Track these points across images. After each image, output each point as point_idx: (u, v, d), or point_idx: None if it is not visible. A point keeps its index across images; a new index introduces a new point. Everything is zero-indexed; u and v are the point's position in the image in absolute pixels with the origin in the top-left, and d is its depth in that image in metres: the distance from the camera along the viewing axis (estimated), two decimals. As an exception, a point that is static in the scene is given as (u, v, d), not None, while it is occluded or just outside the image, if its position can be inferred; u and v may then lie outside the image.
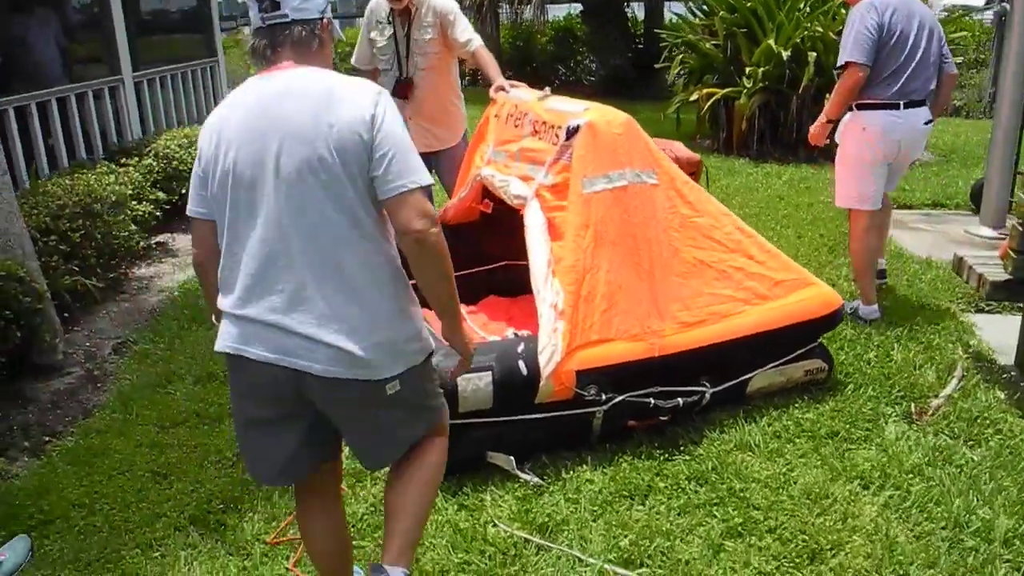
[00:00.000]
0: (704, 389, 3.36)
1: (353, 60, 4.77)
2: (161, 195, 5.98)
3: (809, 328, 3.59)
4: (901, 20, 4.11)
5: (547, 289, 3.18)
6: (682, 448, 3.28)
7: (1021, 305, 4.36)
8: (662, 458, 3.22)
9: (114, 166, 5.82)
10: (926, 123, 4.28)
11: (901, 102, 4.17)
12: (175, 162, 6.30)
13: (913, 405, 3.58)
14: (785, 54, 8.32)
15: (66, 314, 4.56)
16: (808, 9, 8.81)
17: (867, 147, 4.27)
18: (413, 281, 2.10)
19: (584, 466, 3.16)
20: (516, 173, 3.65)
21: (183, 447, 3.42)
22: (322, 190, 1.91)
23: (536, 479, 3.08)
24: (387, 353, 2.00)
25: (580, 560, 2.68)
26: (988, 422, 3.44)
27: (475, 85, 12.29)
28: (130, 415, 3.70)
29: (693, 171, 4.53)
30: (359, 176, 1.93)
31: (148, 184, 5.90)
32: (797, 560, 2.68)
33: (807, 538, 2.77)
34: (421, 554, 2.70)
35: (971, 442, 3.33)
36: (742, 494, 3.00)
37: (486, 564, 2.67)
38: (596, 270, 3.19)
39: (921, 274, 5.13)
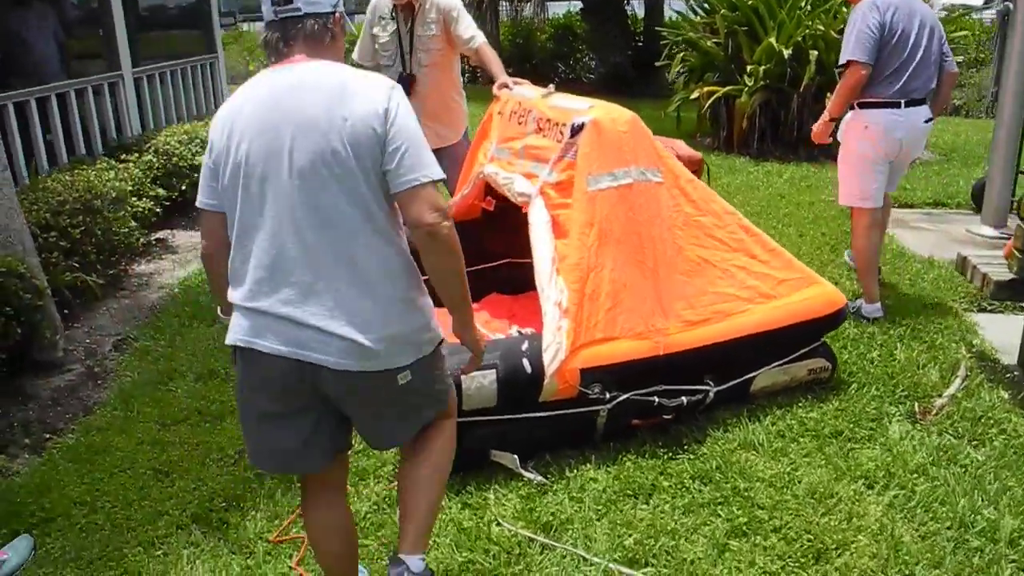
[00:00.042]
0: (708, 388, 3.35)
1: (355, 55, 4.74)
2: (161, 191, 5.96)
3: (813, 327, 3.58)
4: (902, 19, 4.14)
5: (551, 287, 3.17)
6: (686, 447, 3.27)
7: (1024, 304, 4.37)
8: (666, 457, 3.21)
9: (114, 162, 5.80)
10: (926, 121, 4.32)
11: (902, 100, 4.20)
12: (175, 158, 6.28)
13: (917, 405, 3.58)
14: (786, 52, 8.31)
15: (66, 310, 4.54)
16: (809, 7, 8.80)
17: (869, 145, 4.31)
18: (425, 277, 2.10)
19: (588, 465, 3.15)
20: (520, 170, 3.64)
21: (185, 445, 3.40)
22: (335, 183, 1.92)
23: (540, 478, 3.07)
24: (399, 345, 2.02)
25: (585, 559, 2.68)
26: (992, 422, 3.44)
27: (474, 83, 12.28)
28: (131, 412, 3.68)
29: (695, 169, 4.51)
30: (372, 170, 1.94)
31: (148, 180, 5.88)
32: (802, 560, 2.67)
33: (812, 538, 2.76)
34: (425, 553, 2.68)
35: (975, 442, 3.33)
36: (746, 493, 2.99)
37: (490, 563, 2.66)
38: (600, 268, 3.18)
39: (923, 273, 5.12)
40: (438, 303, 2.15)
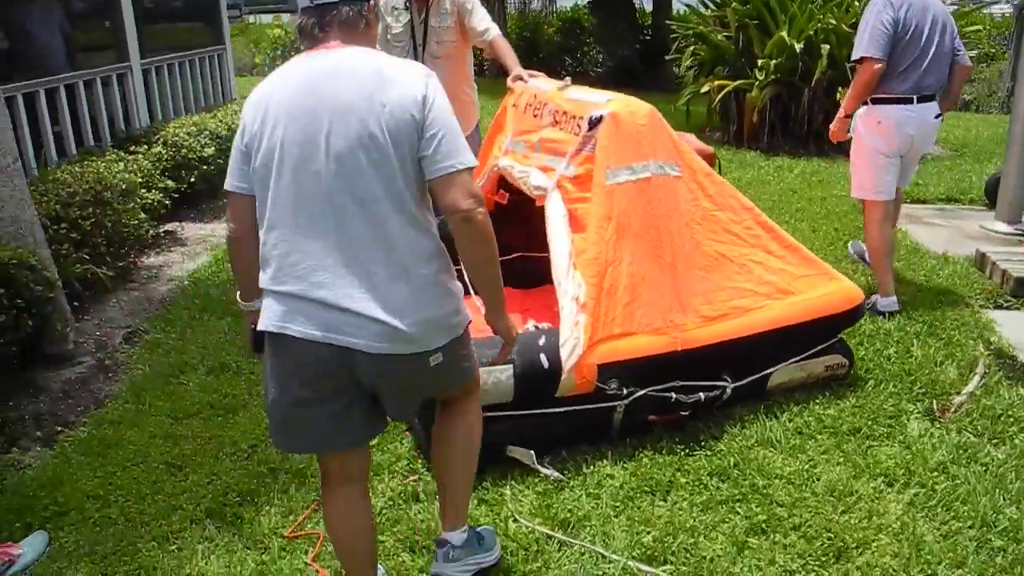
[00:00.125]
0: (725, 384, 3.32)
1: None
2: (170, 183, 5.93)
3: (830, 323, 3.55)
4: (916, 15, 4.18)
5: (569, 281, 3.14)
6: (703, 443, 3.24)
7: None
8: (683, 453, 3.18)
9: (123, 154, 5.77)
10: (936, 117, 4.36)
11: (915, 96, 4.25)
12: (184, 150, 6.26)
13: (935, 402, 3.54)
14: (798, 46, 8.25)
15: (76, 303, 4.52)
16: (821, 1, 8.74)
17: (882, 140, 4.36)
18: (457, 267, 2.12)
19: (604, 461, 3.13)
20: (536, 164, 3.60)
21: (197, 438, 3.38)
22: (372, 168, 1.95)
23: (556, 474, 3.04)
24: (433, 328, 2.05)
25: (603, 556, 2.65)
26: (1012, 420, 3.41)
27: (481, 76, 12.22)
28: (143, 405, 3.66)
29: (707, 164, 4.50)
30: (408, 156, 1.96)
31: (157, 172, 5.85)
32: (823, 558, 2.65)
33: (832, 536, 2.73)
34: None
35: (995, 440, 3.29)
36: (765, 490, 2.97)
37: (508, 560, 2.63)
38: (619, 263, 3.15)
39: (938, 269, 5.08)
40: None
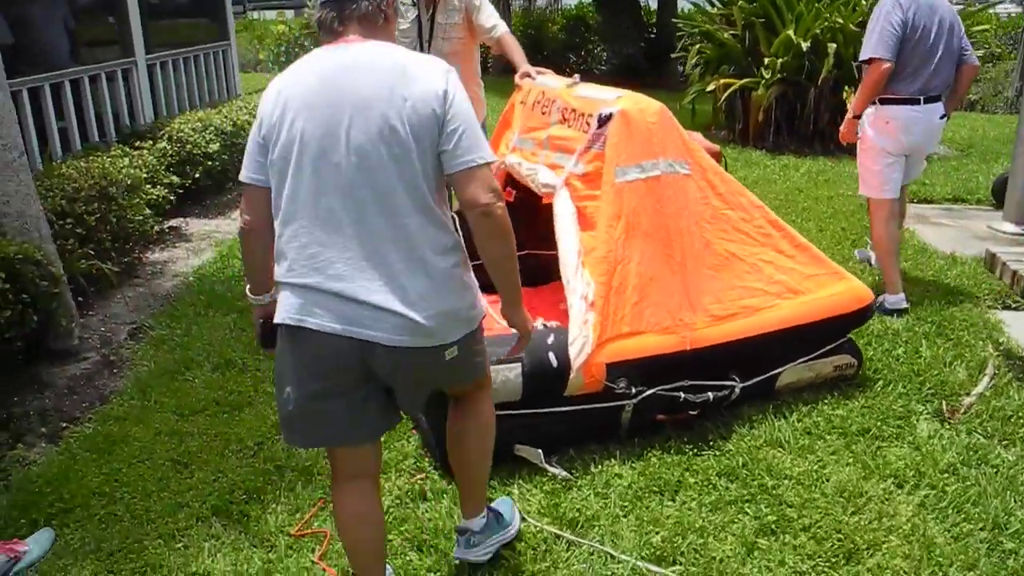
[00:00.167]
0: (734, 384, 3.30)
1: None
2: (175, 179, 5.92)
3: (840, 323, 3.53)
4: (924, 16, 4.20)
5: (577, 280, 3.12)
6: (711, 443, 3.22)
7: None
8: (691, 453, 3.16)
9: (128, 149, 5.75)
10: (941, 117, 4.38)
11: (921, 97, 4.28)
12: (189, 146, 6.24)
13: (944, 403, 3.52)
14: (804, 45, 8.22)
15: (80, 298, 4.50)
16: (828, 0, 8.70)
17: (890, 140, 4.39)
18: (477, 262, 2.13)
19: (612, 460, 3.11)
20: (544, 161, 3.58)
21: (203, 435, 3.36)
22: (392, 162, 1.95)
23: (564, 473, 3.02)
24: (451, 321, 2.06)
25: (612, 557, 2.63)
26: (1022, 421, 3.38)
27: (484, 73, 12.20)
28: (148, 402, 3.64)
29: (714, 162, 4.50)
30: (429, 150, 1.97)
31: (162, 168, 5.84)
32: (833, 560, 2.63)
33: (842, 537, 2.71)
34: (449, 549, 2.65)
35: (1005, 442, 3.27)
36: (774, 491, 2.95)
37: (516, 560, 2.62)
38: (628, 261, 3.13)
39: (946, 270, 5.05)
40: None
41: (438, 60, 2.08)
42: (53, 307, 3.89)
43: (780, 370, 3.46)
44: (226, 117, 6.90)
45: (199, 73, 7.90)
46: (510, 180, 3.94)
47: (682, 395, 3.18)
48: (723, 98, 9.00)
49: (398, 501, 2.91)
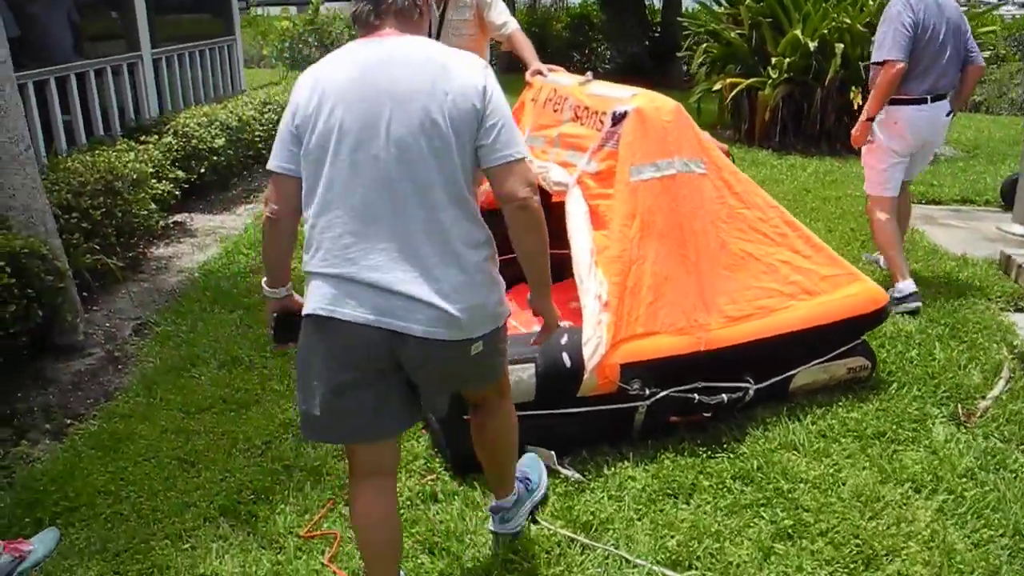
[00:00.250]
0: (748, 385, 3.26)
1: None
2: (180, 174, 5.88)
3: (855, 325, 3.49)
4: (933, 16, 4.26)
5: (591, 279, 3.07)
6: (725, 446, 3.18)
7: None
8: (705, 455, 3.12)
9: (133, 143, 5.71)
10: (947, 115, 4.45)
11: (929, 97, 4.34)
12: (194, 140, 6.20)
13: (960, 406, 3.48)
14: (812, 45, 8.18)
15: (85, 293, 4.45)
16: (835, 0, 8.66)
17: (899, 140, 4.44)
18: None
19: (626, 462, 3.07)
20: (555, 159, 3.54)
21: (210, 434, 3.32)
22: (432, 155, 1.96)
23: (577, 475, 2.98)
24: (479, 315, 2.06)
25: (627, 561, 2.59)
26: (1039, 426, 3.35)
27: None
28: (154, 399, 3.60)
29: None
30: (467, 144, 1.99)
31: (168, 163, 5.80)
32: (852, 566, 2.59)
33: (861, 543, 2.67)
34: (462, 552, 2.61)
35: (1023, 446, 3.23)
36: (790, 495, 2.91)
37: (530, 563, 2.58)
38: (643, 261, 3.09)
39: (958, 272, 5.01)
40: None
41: (475, 55, 2.10)
42: (58, 302, 3.85)
43: (794, 372, 3.42)
44: (231, 112, 6.86)
45: (204, 68, 7.87)
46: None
47: (696, 397, 3.14)
48: (730, 97, 8.96)
49: (409, 502, 2.87)
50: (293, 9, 18.86)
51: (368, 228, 1.97)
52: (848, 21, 8.26)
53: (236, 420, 3.42)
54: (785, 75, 8.45)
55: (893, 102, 4.34)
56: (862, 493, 2.91)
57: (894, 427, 3.32)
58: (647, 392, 3.05)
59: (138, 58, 6.55)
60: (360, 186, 1.97)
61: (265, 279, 2.25)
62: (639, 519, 2.79)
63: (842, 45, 8.16)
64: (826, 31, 8.29)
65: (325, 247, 2.01)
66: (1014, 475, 3.02)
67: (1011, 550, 2.64)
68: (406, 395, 2.15)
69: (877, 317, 3.55)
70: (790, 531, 2.73)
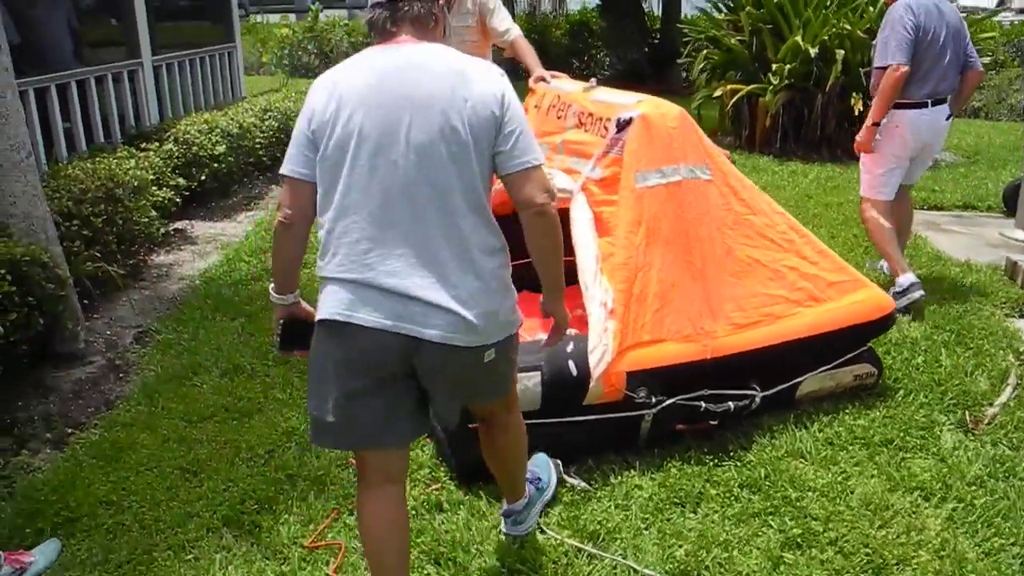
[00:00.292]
0: (755, 393, 3.23)
1: None
2: (181, 181, 5.85)
3: (862, 331, 3.47)
4: (933, 20, 4.30)
5: (596, 286, 3.05)
6: (732, 454, 3.16)
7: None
8: (712, 464, 3.10)
9: (134, 151, 5.69)
10: (947, 118, 4.49)
11: (929, 100, 4.37)
12: (195, 147, 6.17)
13: (967, 413, 3.46)
14: (812, 51, 8.17)
15: (86, 301, 4.43)
16: (835, 6, 8.66)
17: (900, 143, 4.47)
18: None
19: (632, 471, 3.04)
20: (559, 166, 3.53)
21: (212, 443, 3.29)
22: (451, 161, 1.98)
23: (584, 484, 2.96)
24: (493, 321, 2.07)
25: (635, 571, 2.57)
26: (1048, 433, 3.32)
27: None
28: (155, 408, 3.57)
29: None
30: (485, 151, 2.01)
31: (168, 170, 5.77)
32: (862, 575, 2.56)
33: (871, 552, 2.65)
34: (468, 562, 2.59)
35: (1031, 454, 3.21)
36: (798, 503, 2.88)
37: (537, 573, 2.55)
38: (648, 268, 3.07)
39: (963, 278, 5.00)
40: None
41: (491, 63, 2.13)
42: (59, 310, 3.82)
43: (801, 379, 3.39)
44: (232, 119, 6.84)
45: (205, 75, 7.85)
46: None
47: (703, 405, 3.11)
48: (730, 104, 8.95)
49: (414, 512, 2.84)
50: (292, 16, 18.89)
51: (386, 233, 1.98)
52: (848, 27, 8.26)
53: (238, 429, 3.39)
54: (786, 81, 8.45)
55: (894, 106, 4.35)
56: (871, 501, 2.89)
57: (902, 434, 3.30)
58: (653, 400, 3.03)
59: (139, 65, 6.54)
60: (379, 192, 1.98)
61: (273, 285, 2.24)
62: (646, 528, 2.77)
63: (843, 51, 8.16)
64: (826, 37, 8.28)
65: (343, 252, 2.01)
66: (1023, 483, 3.00)
67: (1023, 559, 2.62)
68: (416, 404, 2.16)
69: (884, 324, 3.53)
70: (799, 540, 2.71)
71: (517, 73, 4.22)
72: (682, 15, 14.13)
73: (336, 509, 2.87)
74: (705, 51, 9.69)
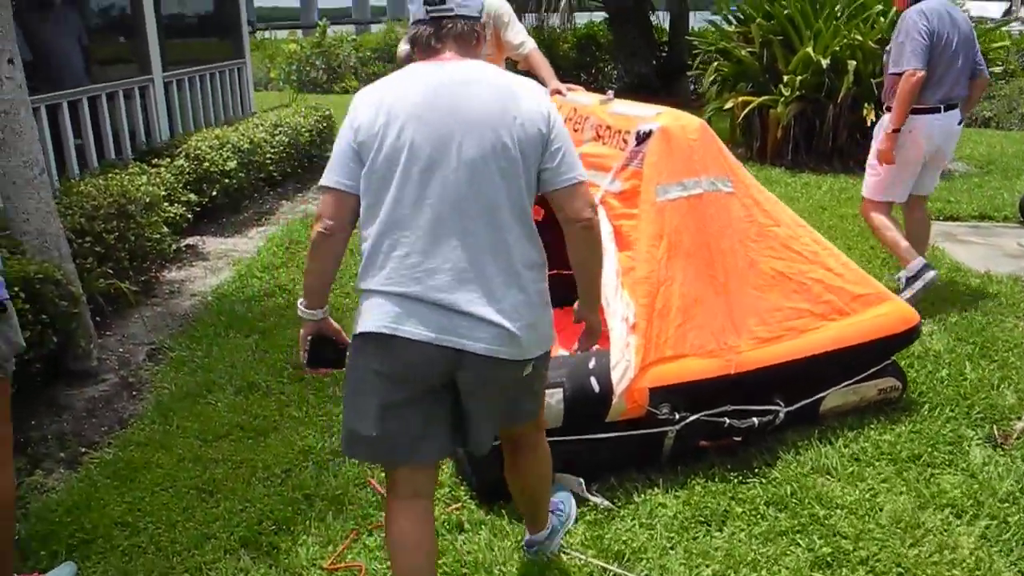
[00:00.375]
0: (779, 408, 3.18)
1: (400, 56, 4.62)
2: (192, 197, 5.83)
3: (886, 345, 3.41)
4: (946, 26, 4.34)
5: (617, 301, 3.01)
6: (757, 471, 3.10)
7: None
8: (736, 481, 3.04)
9: (146, 167, 5.67)
10: (959, 123, 4.53)
11: (942, 106, 4.41)
12: (206, 163, 6.16)
13: (995, 428, 3.39)
14: (824, 62, 8.13)
15: (98, 318, 4.39)
16: (846, 17, 8.63)
17: (912, 147, 4.49)
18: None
19: (655, 489, 2.99)
20: (577, 178, 3.48)
21: (228, 462, 3.24)
22: (500, 177, 2.01)
23: (607, 503, 2.90)
24: (534, 336, 2.10)
25: (663, 592, 2.51)
26: (1078, 448, 3.26)
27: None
28: (170, 426, 3.53)
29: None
30: (532, 167, 2.05)
31: (180, 185, 5.75)
32: (895, 596, 2.50)
33: (903, 571, 2.59)
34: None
35: (1063, 469, 3.14)
36: (826, 521, 2.82)
37: (562, 596, 2.50)
38: (671, 282, 3.02)
39: (984, 289, 4.94)
40: None
41: (534, 82, 2.16)
42: (72, 327, 3.79)
43: (825, 394, 3.34)
44: (243, 135, 6.82)
45: (215, 90, 7.84)
46: (540, 198, 3.83)
47: (727, 421, 3.06)
48: (742, 116, 8.91)
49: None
50: (300, 32, 18.96)
51: (436, 248, 2.00)
52: (860, 38, 8.22)
53: (254, 448, 3.34)
54: (797, 93, 8.41)
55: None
56: (901, 519, 2.83)
57: (929, 450, 3.24)
58: (677, 416, 2.98)
59: (150, 81, 6.53)
60: (429, 206, 1.99)
61: (303, 300, 2.21)
62: (672, 548, 2.71)
63: (854, 62, 8.11)
64: (837, 48, 8.24)
65: (391, 266, 2.03)
66: (1057, 499, 2.93)
67: (1061, 579, 2.56)
68: (451, 420, 2.16)
69: (908, 337, 3.47)
70: (829, 559, 2.65)
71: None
72: (690, 27, 14.11)
73: (355, 530, 2.82)
74: (715, 63, 9.66)
